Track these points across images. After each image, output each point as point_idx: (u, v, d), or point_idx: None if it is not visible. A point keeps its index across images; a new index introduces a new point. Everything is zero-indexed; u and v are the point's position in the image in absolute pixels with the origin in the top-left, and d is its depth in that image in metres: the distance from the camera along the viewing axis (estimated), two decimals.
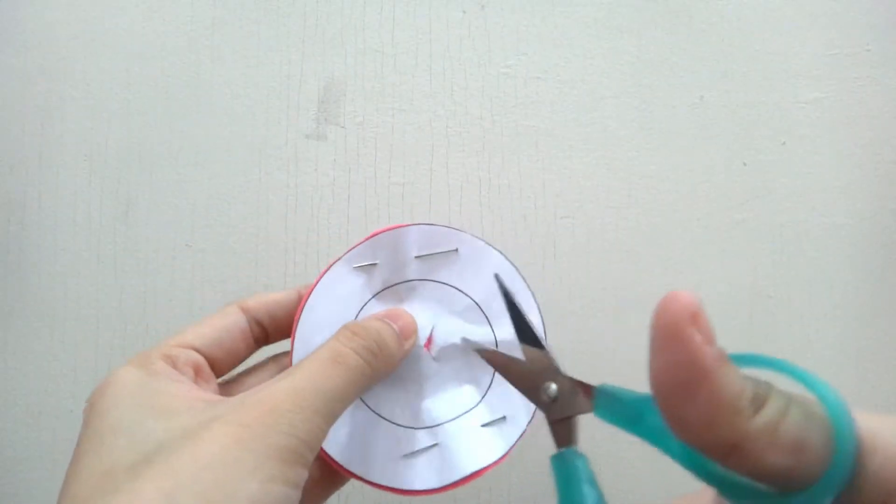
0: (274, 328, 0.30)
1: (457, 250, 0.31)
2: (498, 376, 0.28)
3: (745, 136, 0.42)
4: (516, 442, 0.30)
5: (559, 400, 0.24)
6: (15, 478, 0.40)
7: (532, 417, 0.30)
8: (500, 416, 0.30)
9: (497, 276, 0.29)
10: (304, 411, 0.22)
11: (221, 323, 0.28)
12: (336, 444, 0.29)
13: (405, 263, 0.31)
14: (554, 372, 0.25)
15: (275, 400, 0.22)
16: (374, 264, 0.31)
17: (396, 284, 0.31)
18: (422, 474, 0.29)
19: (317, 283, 0.30)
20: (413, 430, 0.30)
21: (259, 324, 0.30)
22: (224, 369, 0.29)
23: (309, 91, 0.42)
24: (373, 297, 0.31)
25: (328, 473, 0.29)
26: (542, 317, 0.31)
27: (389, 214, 0.42)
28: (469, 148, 0.42)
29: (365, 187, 0.42)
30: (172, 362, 0.25)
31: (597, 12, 0.43)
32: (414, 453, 0.29)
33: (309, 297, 0.30)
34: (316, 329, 0.29)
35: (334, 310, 0.30)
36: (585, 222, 0.42)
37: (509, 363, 0.26)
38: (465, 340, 0.30)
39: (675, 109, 0.42)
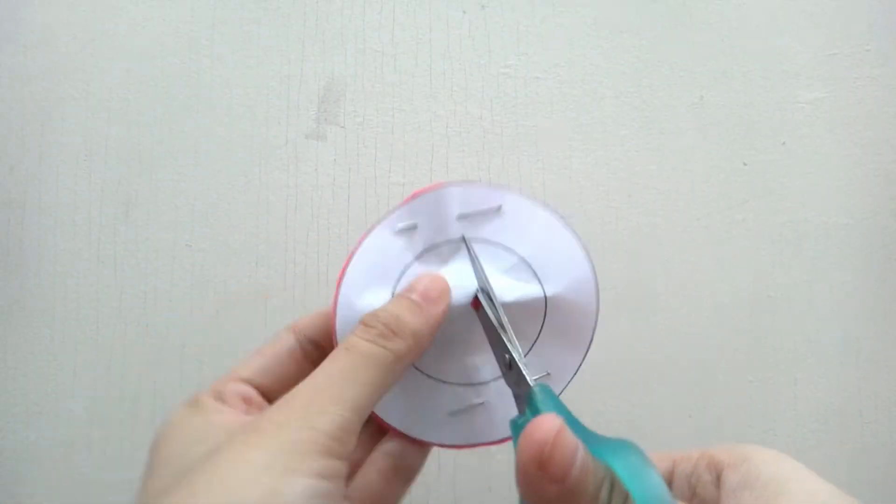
0: (329, 343, 0.30)
1: (500, 208, 0.30)
2: (544, 333, 0.28)
3: (745, 136, 0.42)
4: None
5: (514, 371, 0.26)
6: (15, 478, 0.40)
7: (576, 373, 0.30)
8: (545, 372, 0.30)
9: (464, 239, 0.29)
10: (319, 403, 0.22)
11: (270, 350, 0.29)
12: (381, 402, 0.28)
13: (447, 223, 0.30)
14: (509, 349, 0.26)
15: (289, 399, 0.22)
16: (415, 226, 0.30)
17: (439, 246, 0.30)
18: (466, 431, 0.29)
19: (356, 249, 0.29)
20: (460, 386, 0.29)
21: (312, 342, 0.29)
22: (279, 394, 0.28)
23: (309, 91, 0.42)
24: (415, 259, 0.29)
25: (402, 459, 0.29)
26: (594, 269, 0.31)
27: None
28: (469, 148, 0.42)
29: (365, 187, 0.42)
30: (220, 397, 0.26)
31: (597, 12, 0.43)
32: (460, 411, 0.29)
33: (348, 264, 0.29)
34: (357, 295, 0.29)
35: (375, 275, 0.29)
36: (585, 222, 0.42)
37: (490, 325, 0.28)
38: (480, 290, 0.29)
39: (675, 109, 0.42)
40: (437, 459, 0.40)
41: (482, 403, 0.29)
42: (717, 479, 0.25)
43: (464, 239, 0.30)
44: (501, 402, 0.29)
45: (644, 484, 0.20)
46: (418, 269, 0.29)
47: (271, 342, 0.29)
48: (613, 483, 0.20)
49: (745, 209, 0.42)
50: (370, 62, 0.42)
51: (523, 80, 0.42)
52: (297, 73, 0.42)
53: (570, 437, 0.19)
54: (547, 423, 0.19)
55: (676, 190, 0.42)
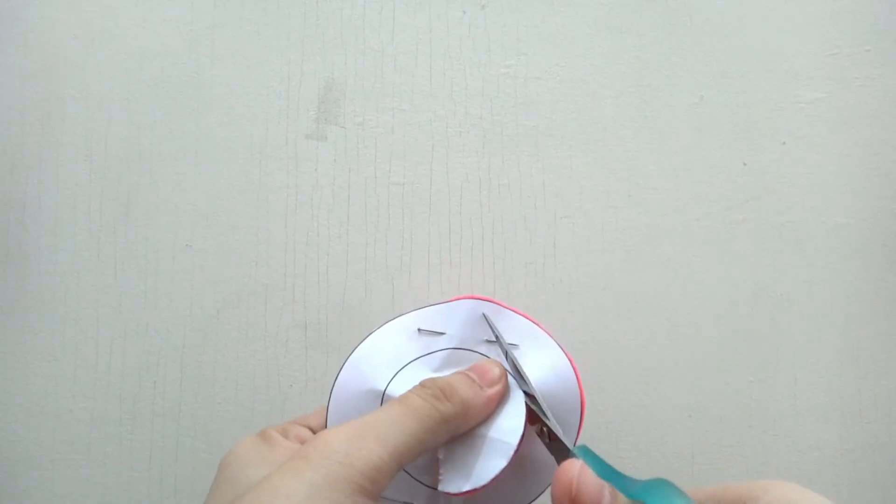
0: None
1: (517, 346, 0.32)
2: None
3: (745, 136, 0.42)
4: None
5: (553, 442, 0.28)
6: (15, 478, 0.40)
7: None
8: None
9: (485, 316, 0.31)
10: (362, 441, 0.23)
11: None
12: None
13: (474, 343, 0.32)
14: (549, 424, 0.28)
15: (336, 434, 0.24)
16: (442, 334, 0.32)
17: (460, 349, 0.32)
18: None
19: (373, 332, 0.32)
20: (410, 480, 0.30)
21: None
22: None
23: (309, 91, 0.42)
24: (419, 357, 0.31)
25: None
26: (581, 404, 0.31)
27: (389, 214, 0.42)
28: (469, 148, 0.42)
29: (365, 187, 0.42)
30: (284, 434, 0.29)
31: (597, 12, 0.43)
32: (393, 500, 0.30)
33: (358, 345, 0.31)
34: (358, 377, 0.31)
35: (381, 361, 0.31)
36: (585, 222, 0.42)
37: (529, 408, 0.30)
38: (519, 380, 0.30)
39: (675, 109, 0.42)
40: None
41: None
42: None
43: (505, 351, 0.31)
44: None
45: None
46: (418, 370, 0.31)
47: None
48: None
49: (745, 209, 0.42)
50: (370, 62, 0.42)
51: (523, 80, 0.42)
52: (297, 73, 0.42)
53: (594, 475, 0.22)
54: (570, 464, 0.22)
55: (676, 190, 0.42)
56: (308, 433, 0.30)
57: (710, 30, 0.43)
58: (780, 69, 0.43)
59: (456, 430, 0.28)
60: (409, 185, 0.42)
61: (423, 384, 0.27)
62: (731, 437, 0.41)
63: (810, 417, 0.41)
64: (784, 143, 0.42)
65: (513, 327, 0.32)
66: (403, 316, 0.32)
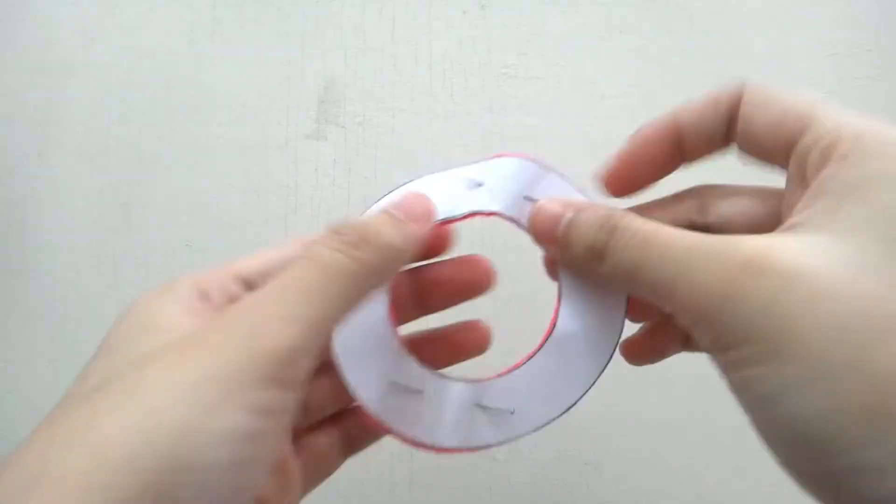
0: None
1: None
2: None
3: None
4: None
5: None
6: None
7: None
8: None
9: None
10: (267, 319, 0.18)
11: (276, 255, 0.25)
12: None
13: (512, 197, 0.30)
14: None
15: (234, 314, 0.19)
16: (481, 184, 0.30)
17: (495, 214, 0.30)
18: (395, 412, 0.26)
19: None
20: (411, 360, 0.26)
21: None
22: None
23: (309, 91, 0.42)
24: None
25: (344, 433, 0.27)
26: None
27: None
28: (469, 148, 0.42)
29: (365, 187, 0.42)
30: (204, 293, 0.23)
31: (597, 12, 0.43)
32: (398, 385, 0.26)
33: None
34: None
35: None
36: None
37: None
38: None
39: None
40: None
41: (420, 392, 0.26)
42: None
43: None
44: (436, 400, 0.26)
45: None
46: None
47: (274, 248, 0.26)
48: None
49: None
50: (370, 62, 0.42)
51: (523, 80, 0.42)
52: (297, 73, 0.42)
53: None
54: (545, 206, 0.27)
55: (676, 190, 0.42)
56: (239, 291, 0.24)
57: (710, 30, 0.43)
58: (780, 69, 0.43)
59: (380, 282, 0.23)
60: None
61: (336, 230, 0.22)
62: (732, 437, 0.41)
63: None
64: None
65: (550, 193, 0.30)
66: (448, 171, 0.31)
